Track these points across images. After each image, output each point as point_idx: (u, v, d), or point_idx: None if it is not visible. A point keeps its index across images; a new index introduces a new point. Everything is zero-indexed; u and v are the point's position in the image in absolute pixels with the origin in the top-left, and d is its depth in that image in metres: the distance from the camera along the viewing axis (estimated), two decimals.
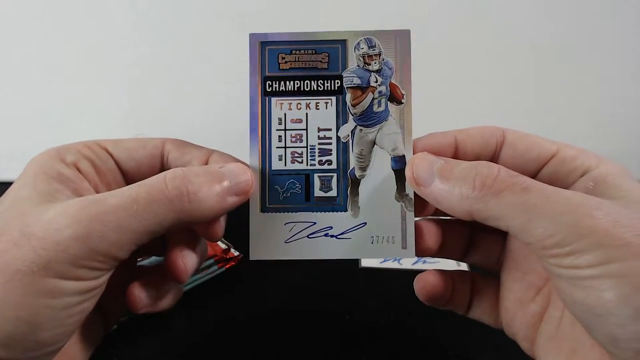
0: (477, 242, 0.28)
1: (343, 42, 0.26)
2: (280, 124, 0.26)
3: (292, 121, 0.26)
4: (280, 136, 0.26)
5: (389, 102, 0.26)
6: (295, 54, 0.26)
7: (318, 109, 0.26)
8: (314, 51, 0.26)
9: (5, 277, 0.19)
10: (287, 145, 0.26)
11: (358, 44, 0.26)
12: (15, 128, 0.58)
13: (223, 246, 0.44)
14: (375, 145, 0.26)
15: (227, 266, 0.43)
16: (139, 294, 0.25)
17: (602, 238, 0.19)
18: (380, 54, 0.26)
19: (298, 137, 0.26)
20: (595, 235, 0.19)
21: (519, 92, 0.57)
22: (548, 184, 0.24)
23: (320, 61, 0.26)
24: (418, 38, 0.54)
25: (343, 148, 0.26)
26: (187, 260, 0.25)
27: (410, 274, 0.26)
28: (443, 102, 0.54)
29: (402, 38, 0.26)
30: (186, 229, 0.26)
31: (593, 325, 0.20)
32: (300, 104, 0.26)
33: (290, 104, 0.26)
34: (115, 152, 0.26)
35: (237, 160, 0.26)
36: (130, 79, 0.57)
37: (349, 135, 0.26)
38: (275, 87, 0.26)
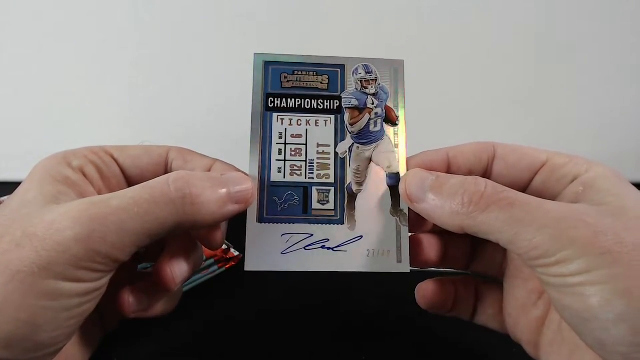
0: (479, 251, 0.29)
1: (342, 67, 0.28)
2: (280, 138, 0.27)
3: (292, 136, 0.27)
4: (280, 149, 0.27)
5: (384, 123, 0.28)
6: (297, 74, 0.28)
7: (317, 125, 0.28)
8: (315, 73, 0.28)
9: (6, 278, 0.19)
10: (286, 159, 0.27)
11: (356, 69, 0.28)
12: (15, 128, 0.57)
13: (223, 246, 0.42)
14: (372, 162, 0.27)
15: (227, 266, 0.43)
16: (129, 299, 0.25)
17: (585, 247, 0.20)
18: (376, 79, 0.28)
19: (297, 151, 0.27)
20: (578, 245, 0.20)
21: (518, 93, 0.57)
22: (540, 192, 0.25)
23: (321, 82, 0.28)
24: (416, 45, 0.56)
25: (341, 163, 0.27)
26: (175, 269, 0.25)
27: (412, 274, 0.27)
28: (441, 105, 0.56)
29: (396, 67, 0.28)
30: (182, 238, 0.26)
31: (582, 330, 0.21)
32: (301, 120, 0.28)
33: (290, 119, 0.27)
34: (120, 159, 0.27)
35: (239, 171, 0.27)
36: (130, 79, 0.57)
37: (346, 152, 0.28)
38: (277, 104, 0.28)
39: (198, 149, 0.28)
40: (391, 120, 0.28)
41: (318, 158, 0.27)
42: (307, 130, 0.28)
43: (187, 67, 0.57)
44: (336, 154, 0.27)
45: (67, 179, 0.23)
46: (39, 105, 0.57)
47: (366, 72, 0.28)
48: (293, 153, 0.27)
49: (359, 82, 0.28)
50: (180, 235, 0.26)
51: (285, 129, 0.27)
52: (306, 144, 0.27)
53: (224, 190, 0.24)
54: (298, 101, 0.28)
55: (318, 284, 0.39)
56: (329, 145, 0.28)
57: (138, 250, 0.22)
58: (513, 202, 0.22)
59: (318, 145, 0.27)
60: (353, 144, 0.28)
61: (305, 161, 0.27)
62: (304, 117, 0.28)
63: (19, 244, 0.20)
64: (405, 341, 0.34)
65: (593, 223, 0.20)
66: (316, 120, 0.28)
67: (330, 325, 0.35)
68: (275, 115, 0.27)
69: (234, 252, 0.44)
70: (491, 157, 0.27)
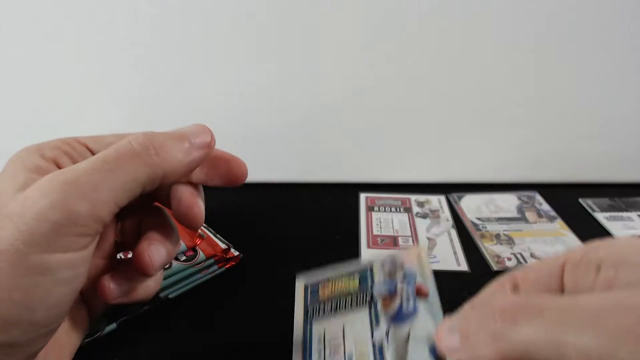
0: None
1: (370, 267, 0.31)
2: (320, 342, 0.28)
3: (331, 336, 0.28)
4: (320, 351, 0.27)
5: (417, 298, 0.27)
6: (332, 281, 0.31)
7: (353, 320, 0.28)
8: (347, 276, 0.31)
9: None
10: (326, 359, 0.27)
11: (382, 265, 0.31)
12: (15, 128, 0.56)
13: (223, 246, 0.43)
14: (410, 339, 0.26)
15: (227, 266, 0.43)
16: (109, 285, 0.25)
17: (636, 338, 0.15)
18: (402, 265, 0.30)
19: (336, 348, 0.27)
20: (627, 337, 0.15)
21: (518, 93, 0.56)
22: (574, 292, 0.21)
23: (353, 283, 0.30)
24: (415, 42, 0.53)
25: (379, 350, 0.26)
26: (153, 254, 0.25)
27: None
28: (439, 104, 0.55)
29: (418, 251, 0.30)
30: (159, 223, 0.27)
31: None
32: (337, 320, 0.29)
33: (328, 321, 0.29)
34: (95, 148, 0.27)
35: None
36: (130, 80, 0.56)
37: (383, 339, 0.26)
38: (315, 313, 0.30)
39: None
40: (423, 295, 0.27)
41: (356, 351, 0.27)
42: (344, 326, 0.28)
43: (188, 67, 0.56)
44: (374, 343, 0.27)
45: (39, 168, 0.23)
46: (38, 105, 0.58)
47: (391, 264, 0.30)
48: (332, 352, 0.27)
49: (386, 273, 0.30)
50: (158, 221, 0.27)
51: (324, 329, 0.28)
52: (344, 340, 0.27)
53: (185, 140, 0.24)
54: (334, 303, 0.30)
55: None
56: (366, 337, 0.27)
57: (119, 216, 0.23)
58: (541, 308, 0.18)
59: (355, 339, 0.27)
60: (389, 327, 0.27)
61: (344, 357, 0.27)
62: (340, 317, 0.29)
63: None
64: None
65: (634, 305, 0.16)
66: (351, 316, 0.28)
67: None
68: (314, 323, 0.29)
69: (234, 252, 0.43)
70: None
